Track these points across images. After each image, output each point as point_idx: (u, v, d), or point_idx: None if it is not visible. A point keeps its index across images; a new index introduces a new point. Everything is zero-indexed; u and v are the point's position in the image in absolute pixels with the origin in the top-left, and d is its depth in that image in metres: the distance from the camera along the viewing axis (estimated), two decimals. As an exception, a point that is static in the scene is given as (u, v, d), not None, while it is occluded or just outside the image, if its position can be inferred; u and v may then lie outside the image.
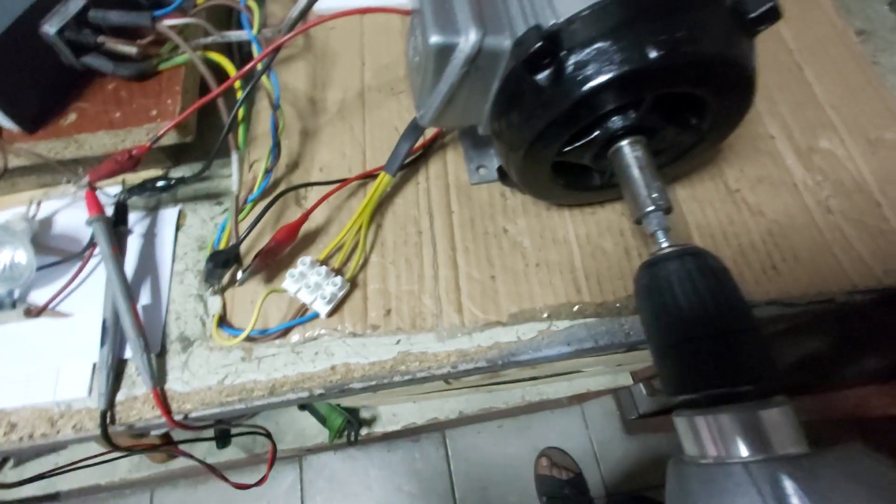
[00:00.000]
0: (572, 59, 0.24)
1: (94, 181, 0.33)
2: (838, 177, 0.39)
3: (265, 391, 0.35)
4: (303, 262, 0.35)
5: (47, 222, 0.39)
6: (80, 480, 0.86)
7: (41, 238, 0.39)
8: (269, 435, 0.49)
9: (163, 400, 0.34)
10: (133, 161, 0.33)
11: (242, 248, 0.37)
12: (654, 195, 0.28)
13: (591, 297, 0.36)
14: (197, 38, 0.37)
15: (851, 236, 0.37)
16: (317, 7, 0.46)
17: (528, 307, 0.36)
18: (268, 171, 0.38)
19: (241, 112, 0.35)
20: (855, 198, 0.38)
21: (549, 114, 0.26)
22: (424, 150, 0.41)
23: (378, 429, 0.97)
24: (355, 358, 0.35)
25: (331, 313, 0.35)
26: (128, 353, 0.35)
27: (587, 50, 0.24)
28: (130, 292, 0.34)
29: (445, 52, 0.26)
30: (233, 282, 0.36)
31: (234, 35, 0.38)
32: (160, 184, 0.36)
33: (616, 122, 0.28)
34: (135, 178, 0.38)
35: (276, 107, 0.36)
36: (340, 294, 0.35)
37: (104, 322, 0.35)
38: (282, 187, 0.40)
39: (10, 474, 0.81)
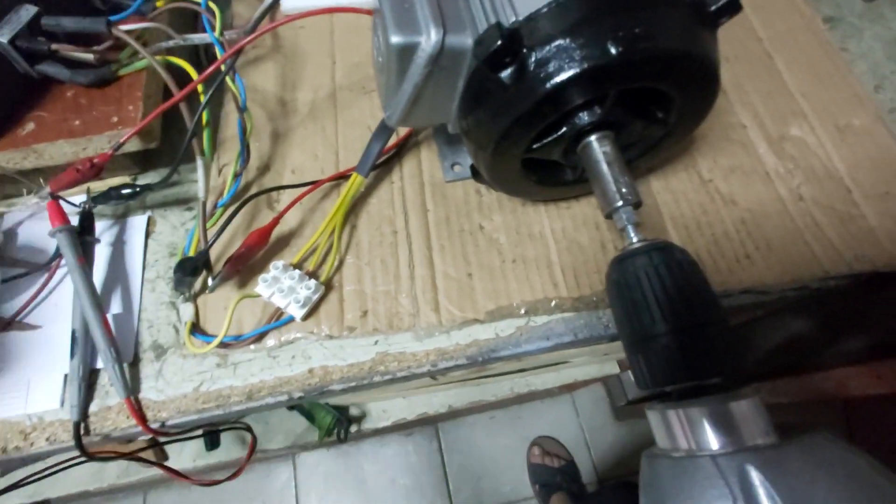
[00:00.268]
0: (534, 57, 0.24)
1: (56, 191, 0.32)
2: (809, 164, 0.39)
3: (242, 396, 0.35)
4: (275, 267, 0.35)
5: (11, 234, 0.38)
6: (69, 487, 0.86)
7: (6, 250, 0.38)
8: (249, 429, 0.49)
9: (137, 409, 0.33)
10: (95, 169, 0.32)
11: (215, 253, 0.37)
12: (622, 190, 0.28)
13: (569, 291, 0.36)
14: (158, 43, 0.36)
15: (822, 223, 0.37)
16: (284, 6, 0.46)
17: (506, 304, 0.36)
18: (237, 175, 0.38)
19: (204, 116, 0.34)
20: (825, 184, 0.39)
21: (515, 111, 0.26)
22: (398, 148, 0.41)
23: (368, 425, 0.97)
24: (333, 360, 0.35)
25: (306, 317, 0.35)
26: (100, 364, 0.35)
27: (548, 47, 0.24)
28: (99, 302, 0.33)
29: (407, 51, 0.26)
30: (205, 288, 0.36)
31: (197, 38, 0.37)
32: (126, 191, 0.35)
33: (582, 117, 0.28)
34: (101, 185, 0.37)
35: (242, 109, 0.36)
36: (315, 297, 0.35)
37: (73, 333, 0.34)
38: (253, 191, 0.39)
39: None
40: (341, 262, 0.37)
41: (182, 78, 0.35)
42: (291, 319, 0.35)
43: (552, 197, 0.38)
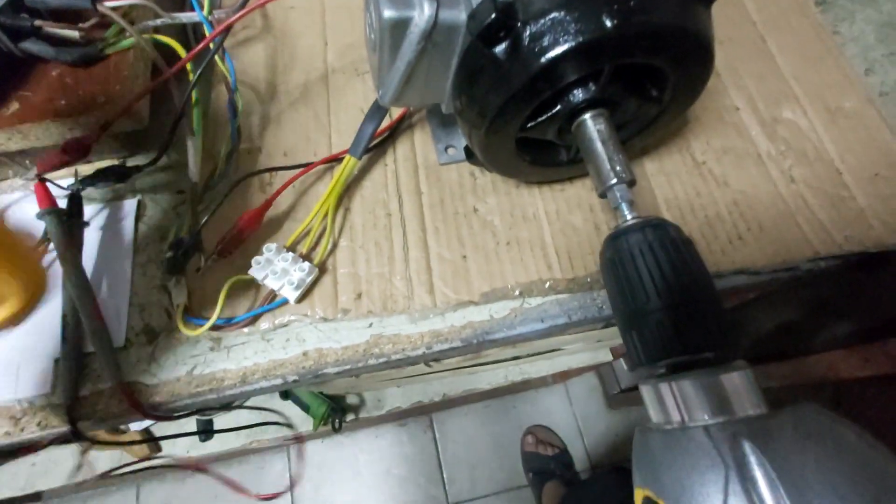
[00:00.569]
0: (528, 31, 0.24)
1: (43, 172, 0.32)
2: (801, 146, 0.40)
3: (236, 380, 0.34)
4: (268, 249, 0.35)
5: (-2, 217, 0.38)
6: (58, 479, 0.85)
7: (-7, 234, 0.37)
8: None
9: (129, 393, 0.33)
10: (82, 150, 0.31)
11: (207, 236, 0.36)
12: (617, 168, 0.28)
13: (563, 273, 0.36)
14: (145, 21, 0.35)
15: (813, 204, 0.38)
16: (274, -15, 0.45)
17: (500, 286, 0.36)
18: (228, 157, 0.37)
19: (194, 95, 0.33)
20: (816, 167, 0.39)
21: (509, 87, 0.26)
22: (391, 131, 0.40)
23: (363, 414, 0.98)
24: (328, 343, 0.35)
25: (300, 299, 0.35)
26: (91, 348, 0.34)
27: (542, 21, 0.23)
28: (88, 285, 0.33)
29: (400, 27, 0.26)
30: (197, 271, 0.35)
31: (185, 16, 0.36)
32: (114, 174, 0.34)
33: (577, 94, 0.28)
34: (89, 169, 0.37)
35: (233, 89, 0.35)
36: (309, 279, 0.35)
37: (64, 317, 0.33)
38: (244, 173, 0.39)
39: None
40: (335, 245, 0.37)
41: (170, 58, 0.35)
42: (285, 302, 0.35)
43: (546, 178, 0.38)
